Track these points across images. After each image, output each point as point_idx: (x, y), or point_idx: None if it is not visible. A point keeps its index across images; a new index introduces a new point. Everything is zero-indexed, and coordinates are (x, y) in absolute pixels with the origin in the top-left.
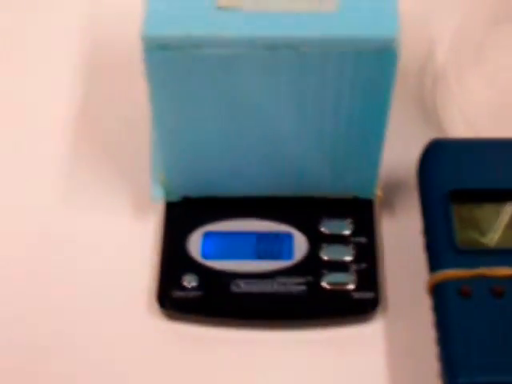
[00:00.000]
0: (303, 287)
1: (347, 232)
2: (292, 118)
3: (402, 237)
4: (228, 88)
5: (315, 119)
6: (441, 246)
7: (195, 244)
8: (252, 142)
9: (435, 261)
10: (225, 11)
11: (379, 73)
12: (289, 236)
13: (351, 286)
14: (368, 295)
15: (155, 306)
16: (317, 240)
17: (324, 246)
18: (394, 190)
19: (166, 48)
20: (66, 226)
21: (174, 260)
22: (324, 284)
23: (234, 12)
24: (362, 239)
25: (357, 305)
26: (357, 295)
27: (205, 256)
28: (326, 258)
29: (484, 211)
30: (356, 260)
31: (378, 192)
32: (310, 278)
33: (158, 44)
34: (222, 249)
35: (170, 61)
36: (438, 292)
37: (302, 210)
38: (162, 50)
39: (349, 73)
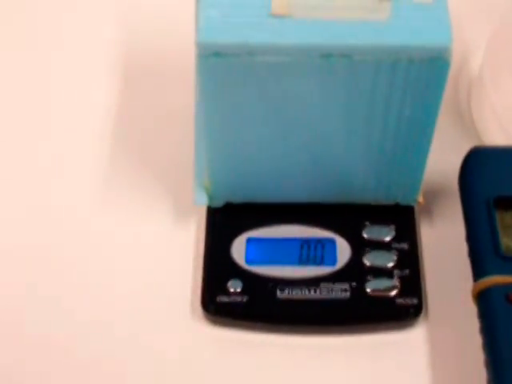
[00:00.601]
0: (347, 293)
1: (389, 238)
2: (340, 126)
3: (441, 243)
4: (279, 95)
5: (364, 127)
6: (486, 252)
7: (239, 250)
8: (298, 149)
9: (480, 267)
10: (278, 19)
11: (430, 81)
12: (332, 242)
13: (394, 292)
14: (411, 301)
15: (199, 311)
16: (359, 246)
17: (367, 251)
18: (432, 196)
19: (220, 55)
20: (108, 231)
21: (218, 265)
22: (368, 290)
23: (287, 19)
24: (404, 245)
25: (400, 311)
26: (400, 301)
27: (249, 262)
28: (368, 263)
29: None
30: (398, 266)
31: (420, 199)
32: (353, 284)
33: (212, 51)
34: (265, 254)
35: (223, 67)
36: (483, 298)
37: (344, 216)
38: (216, 56)
39: (400, 81)
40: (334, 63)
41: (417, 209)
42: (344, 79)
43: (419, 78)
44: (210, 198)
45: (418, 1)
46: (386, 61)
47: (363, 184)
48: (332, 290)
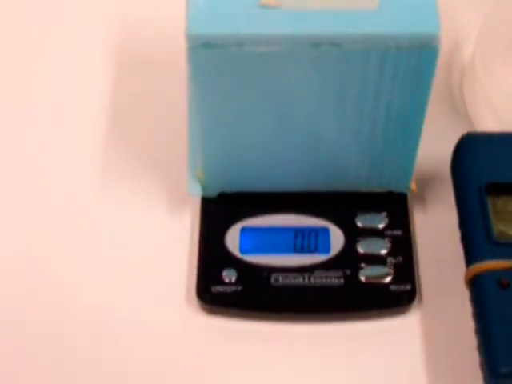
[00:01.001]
0: (341, 280)
1: (382, 225)
2: (332, 115)
3: (434, 230)
4: (270, 85)
5: (355, 115)
6: (478, 238)
7: (233, 239)
8: (291, 138)
9: (473, 253)
10: (266, 9)
11: (420, 69)
12: (325, 230)
13: (388, 279)
14: (405, 287)
15: (194, 300)
16: (353, 234)
17: (360, 239)
18: (424, 183)
19: (210, 46)
20: (103, 222)
21: (212, 255)
22: (361, 277)
23: (275, 10)
24: (398, 232)
25: (394, 297)
26: (394, 288)
27: (243, 251)
28: (362, 251)
29: None
30: (392, 253)
31: (412, 186)
32: (347, 272)
33: (202, 42)
34: (259, 244)
35: (213, 58)
36: (476, 283)
37: (337, 204)
38: (206, 48)
39: (390, 69)
40: (324, 52)
41: (409, 196)
42: (334, 68)
43: (409, 65)
44: (204, 188)
45: None
46: (375, 49)
47: (356, 172)
48: (326, 278)
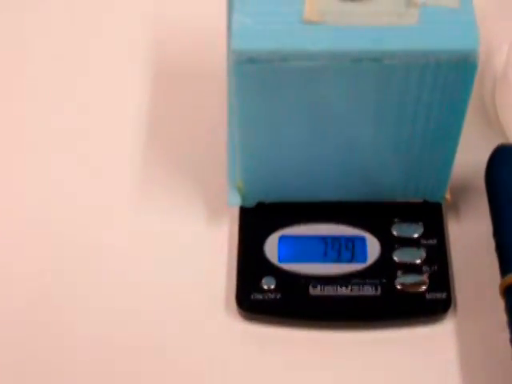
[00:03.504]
0: (377, 289)
1: (418, 235)
2: (370, 127)
3: (469, 239)
4: (310, 98)
5: (393, 128)
6: None
7: (272, 248)
8: (330, 150)
9: (508, 263)
10: (310, 25)
11: (458, 83)
12: (362, 239)
13: (423, 288)
14: (440, 296)
15: (233, 307)
16: (389, 243)
17: (396, 248)
18: (459, 193)
19: (254, 61)
20: (143, 231)
21: (252, 263)
22: (397, 286)
23: (318, 26)
24: (433, 241)
25: (429, 305)
26: (429, 296)
27: (281, 259)
28: (398, 260)
29: None
30: (427, 262)
31: (447, 196)
32: (383, 280)
33: (247, 57)
34: (297, 252)
35: (258, 73)
36: (511, 293)
37: (373, 214)
38: (251, 63)
39: (429, 83)
40: (365, 68)
41: (444, 205)
42: (374, 83)
43: (447, 80)
44: (243, 198)
45: (446, 5)
46: (415, 64)
47: (392, 183)
48: (363, 287)
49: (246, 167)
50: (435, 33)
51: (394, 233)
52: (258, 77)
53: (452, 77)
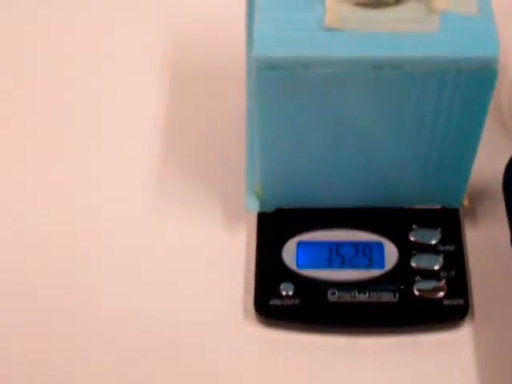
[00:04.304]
0: (395, 295)
1: (435, 241)
2: (389, 134)
3: (486, 245)
4: (330, 104)
5: (412, 134)
6: None
7: (290, 254)
8: (349, 156)
9: None
10: (331, 32)
11: (478, 90)
12: (380, 245)
13: (441, 294)
14: (458, 302)
15: (252, 313)
16: (406, 249)
17: (414, 254)
18: (476, 199)
19: (276, 68)
20: (161, 236)
21: (270, 269)
22: (415, 292)
23: (339, 33)
24: (450, 247)
25: (447, 311)
26: (447, 302)
27: (299, 265)
28: (416, 266)
29: None
30: (445, 268)
31: (465, 202)
32: (401, 286)
33: (268, 64)
34: (315, 258)
35: (279, 80)
36: None
37: (391, 220)
38: (272, 69)
39: (449, 90)
40: (385, 74)
41: (462, 212)
42: (394, 89)
43: (467, 87)
44: (261, 203)
45: (466, 12)
46: (435, 71)
47: (410, 189)
48: (381, 293)
49: (265, 173)
50: (456, 40)
51: (412, 239)
52: (279, 83)
53: (472, 84)
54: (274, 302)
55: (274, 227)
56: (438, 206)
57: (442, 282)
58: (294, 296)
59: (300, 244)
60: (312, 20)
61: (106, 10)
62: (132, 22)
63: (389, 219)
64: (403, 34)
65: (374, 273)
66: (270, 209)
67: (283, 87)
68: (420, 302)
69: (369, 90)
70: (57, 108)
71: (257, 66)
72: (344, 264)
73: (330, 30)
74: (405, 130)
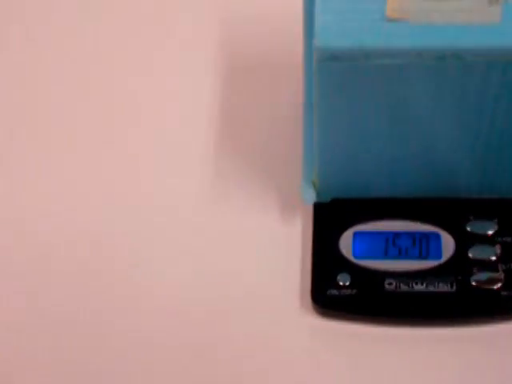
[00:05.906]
0: (452, 286)
1: (492, 232)
2: (450, 124)
3: None
4: (391, 95)
5: (472, 124)
6: None
7: (346, 244)
8: (408, 147)
9: None
10: (393, 23)
11: None
12: (436, 236)
13: (499, 285)
14: None
15: (308, 303)
16: (463, 240)
17: (471, 245)
18: None
19: (338, 59)
20: (216, 228)
21: (327, 259)
22: (472, 283)
23: (401, 23)
24: (508, 239)
25: (504, 302)
26: (504, 293)
27: (356, 255)
28: (473, 257)
29: None
30: (502, 259)
31: None
32: (458, 277)
33: (330, 55)
34: (372, 249)
35: (340, 70)
36: None
37: (448, 210)
38: (334, 60)
39: (509, 81)
40: (447, 65)
41: None
42: (456, 80)
43: None
44: (318, 194)
45: None
46: (497, 61)
47: (468, 179)
48: (438, 283)
49: (323, 163)
50: None
51: (469, 229)
52: (341, 74)
53: None
54: (331, 292)
55: (330, 217)
56: (495, 197)
57: (499, 273)
58: (350, 286)
59: (356, 234)
60: (373, 10)
61: (161, 8)
62: (186, 19)
63: (445, 210)
64: (465, 24)
65: (431, 263)
66: (326, 199)
67: (344, 78)
68: (477, 293)
69: (430, 81)
70: (113, 99)
71: (318, 57)
72: (400, 254)
73: (391, 20)
74: (465, 119)
